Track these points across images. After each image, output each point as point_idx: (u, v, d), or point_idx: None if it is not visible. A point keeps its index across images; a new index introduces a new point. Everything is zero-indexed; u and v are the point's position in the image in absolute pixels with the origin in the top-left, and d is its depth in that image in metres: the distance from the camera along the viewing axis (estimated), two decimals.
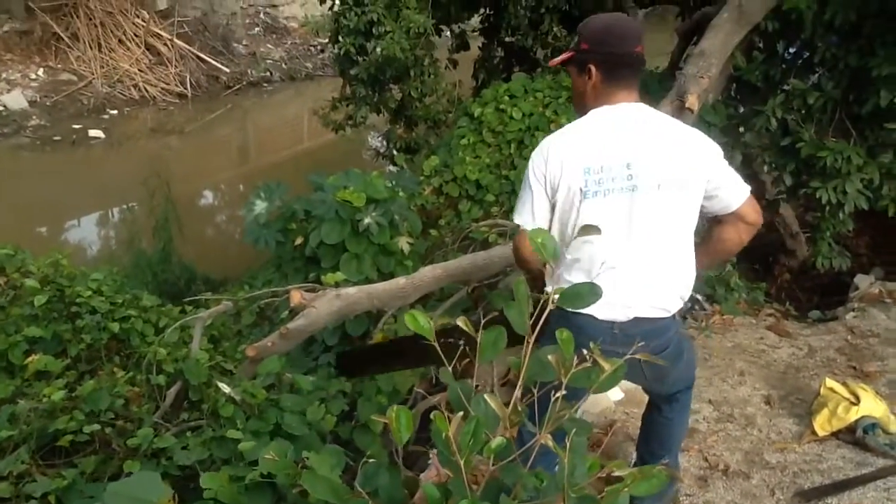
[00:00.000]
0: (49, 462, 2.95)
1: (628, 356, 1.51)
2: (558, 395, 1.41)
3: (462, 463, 1.34)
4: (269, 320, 4.85)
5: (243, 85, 15.37)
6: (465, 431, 1.37)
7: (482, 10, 8.16)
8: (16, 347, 3.68)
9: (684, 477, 2.91)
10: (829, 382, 3.28)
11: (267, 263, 5.79)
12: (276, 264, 5.24)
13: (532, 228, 2.13)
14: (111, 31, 14.23)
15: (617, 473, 1.42)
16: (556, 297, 1.52)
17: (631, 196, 2.08)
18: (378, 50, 6.79)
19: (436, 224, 5.41)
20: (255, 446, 2.57)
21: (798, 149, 4.76)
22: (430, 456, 3.24)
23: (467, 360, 1.56)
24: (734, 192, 2.20)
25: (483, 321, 1.59)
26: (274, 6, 17.48)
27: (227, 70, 15.35)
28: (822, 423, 3.15)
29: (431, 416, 1.38)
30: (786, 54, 5.17)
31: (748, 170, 5.61)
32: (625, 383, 3.58)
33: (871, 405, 3.11)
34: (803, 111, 4.79)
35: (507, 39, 7.83)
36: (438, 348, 1.51)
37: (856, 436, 3.06)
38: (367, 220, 4.43)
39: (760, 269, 5.69)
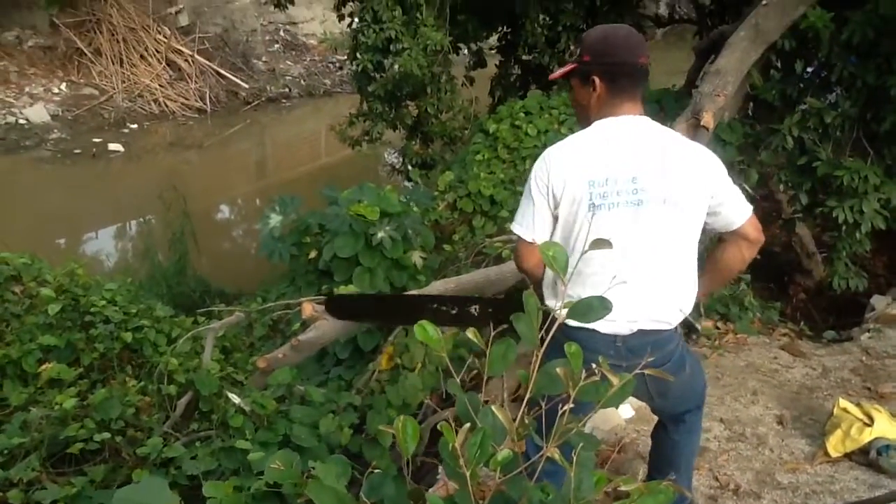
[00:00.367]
0: (59, 470, 2.97)
1: (637, 371, 1.50)
2: (565, 408, 1.40)
3: (468, 475, 1.33)
4: (281, 333, 4.86)
5: (262, 101, 15.50)
6: (471, 443, 1.36)
7: (500, 29, 8.22)
8: (30, 355, 3.72)
9: (694, 496, 2.88)
10: (843, 403, 3.23)
11: (281, 277, 5.82)
12: (290, 278, 5.26)
13: (531, 239, 2.13)
14: (133, 47, 14.42)
15: (623, 488, 1.41)
16: (564, 310, 1.51)
17: (636, 210, 2.06)
18: (395, 67, 6.85)
19: (449, 239, 5.41)
20: (264, 457, 2.57)
21: (814, 168, 4.74)
22: (439, 471, 3.22)
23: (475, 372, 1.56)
24: (737, 210, 2.19)
25: (492, 333, 1.58)
26: (293, 23, 17.65)
27: (247, 86, 15.49)
28: (836, 444, 3.10)
29: (439, 426, 1.38)
30: (803, 73, 5.16)
31: (764, 189, 5.59)
32: (636, 401, 3.55)
33: (885, 426, 3.07)
34: (820, 130, 4.77)
35: (523, 57, 7.87)
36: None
37: (869, 457, 3.01)
38: (380, 235, 4.44)
39: (775, 289, 5.64)
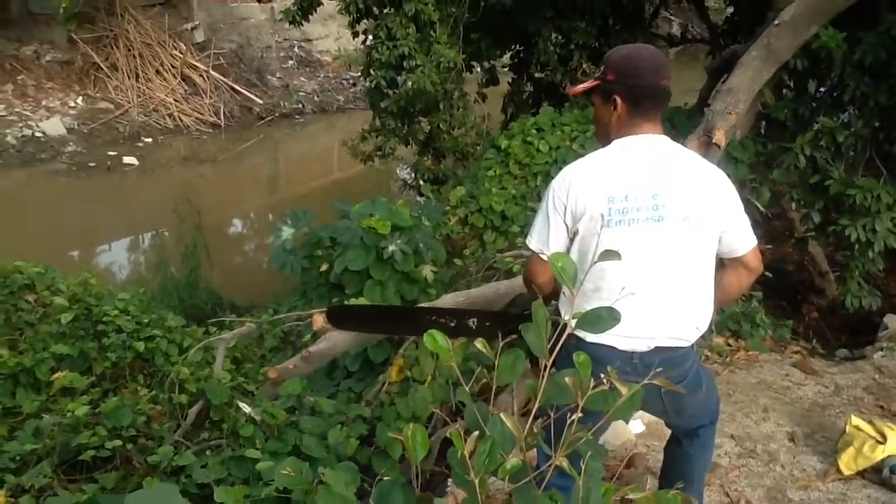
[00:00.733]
0: (70, 477, 2.99)
1: (645, 381, 1.50)
2: (574, 417, 1.40)
3: (477, 483, 1.33)
4: (292, 345, 4.88)
5: (276, 116, 15.60)
6: (480, 451, 1.36)
7: (513, 47, 8.27)
8: (43, 364, 3.76)
9: None
10: (856, 420, 3.22)
11: (292, 290, 5.85)
12: (302, 290, 5.28)
13: (546, 255, 2.14)
14: (149, 62, 14.57)
15: (631, 496, 1.41)
16: (574, 322, 1.51)
17: (656, 227, 2.07)
18: (409, 83, 6.89)
19: (460, 254, 5.43)
20: (273, 466, 2.58)
21: (827, 186, 4.74)
22: (448, 484, 3.22)
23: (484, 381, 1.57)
24: (744, 238, 2.21)
25: (501, 344, 1.58)
26: (308, 40, 17.80)
27: (261, 101, 15.61)
28: (848, 462, 3.08)
29: (448, 434, 1.38)
30: (816, 92, 5.17)
31: (776, 207, 5.59)
32: (646, 416, 3.54)
33: None
34: (833, 149, 4.77)
35: (536, 75, 7.93)
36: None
37: (882, 475, 2.99)
38: (391, 248, 4.46)
39: (788, 307, 5.62)
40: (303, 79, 17.16)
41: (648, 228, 2.07)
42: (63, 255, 9.25)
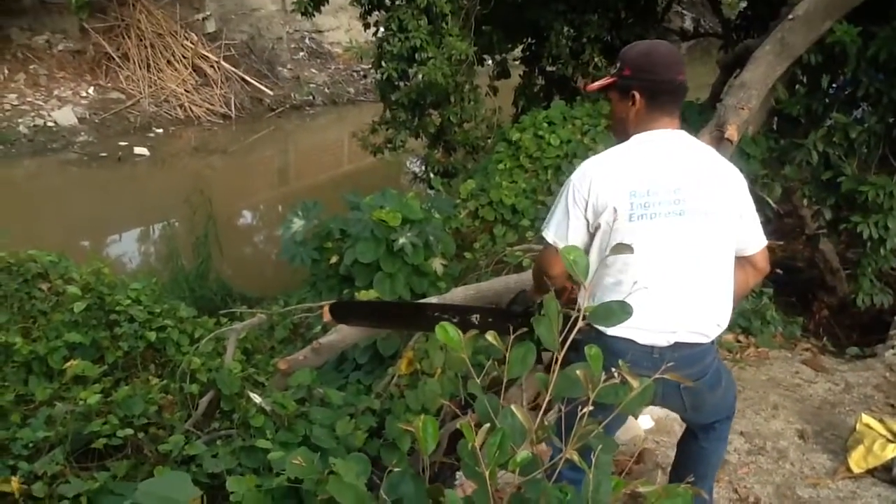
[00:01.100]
0: (82, 464, 3.01)
1: (657, 376, 1.51)
2: (585, 410, 1.40)
3: (487, 474, 1.34)
4: (301, 336, 4.90)
5: (286, 108, 15.60)
6: (490, 444, 1.37)
7: (524, 40, 8.25)
8: (55, 352, 3.79)
9: None
10: (866, 418, 3.21)
11: (302, 282, 5.86)
12: (311, 282, 5.29)
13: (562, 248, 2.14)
14: (160, 53, 14.59)
15: (641, 490, 1.42)
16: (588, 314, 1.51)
17: (678, 221, 2.08)
18: (420, 76, 6.88)
19: (470, 247, 5.43)
20: (284, 457, 2.60)
21: (839, 183, 4.71)
22: (457, 476, 3.23)
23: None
24: (754, 237, 2.23)
25: (512, 337, 1.59)
26: (319, 32, 17.78)
27: (271, 93, 15.62)
28: (858, 460, 3.08)
29: (458, 426, 1.39)
30: (829, 88, 5.14)
31: (787, 204, 5.56)
32: (656, 412, 3.54)
33: None
34: (845, 145, 4.74)
35: (548, 68, 7.91)
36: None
37: (892, 474, 2.99)
38: (401, 241, 4.46)
39: (798, 304, 5.60)
40: (314, 70, 17.16)
41: (670, 223, 2.08)
42: (74, 245, 9.29)
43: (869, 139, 4.69)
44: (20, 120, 12.70)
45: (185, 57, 14.78)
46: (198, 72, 14.92)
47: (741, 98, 4.35)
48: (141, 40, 14.44)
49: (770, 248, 2.31)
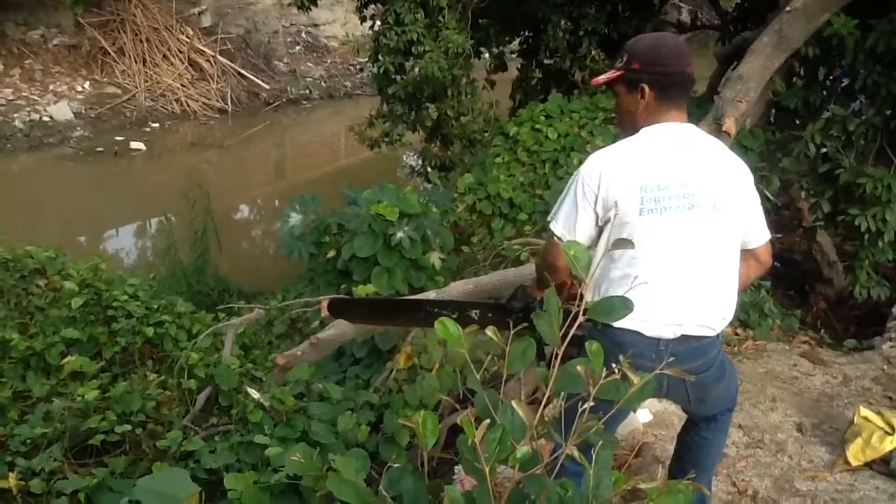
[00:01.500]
0: (80, 461, 3.01)
1: (659, 371, 1.50)
2: (585, 406, 1.40)
3: (487, 470, 1.33)
4: (300, 331, 4.89)
5: (283, 102, 15.57)
6: (490, 439, 1.36)
7: (521, 33, 8.22)
8: (53, 348, 3.78)
9: (713, 502, 2.87)
10: (864, 411, 3.21)
11: (299, 277, 5.86)
12: (309, 277, 5.29)
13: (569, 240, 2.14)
14: (156, 47, 14.55)
15: (642, 486, 1.41)
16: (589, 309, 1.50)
17: (688, 214, 2.08)
18: (416, 69, 6.86)
19: (468, 241, 5.43)
20: (282, 452, 2.59)
21: (837, 175, 4.70)
22: (456, 471, 3.23)
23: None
24: (758, 231, 2.24)
25: (512, 332, 1.58)
26: (315, 25, 17.74)
27: (268, 87, 15.58)
28: (856, 453, 3.08)
29: (459, 421, 1.38)
30: (826, 80, 5.13)
31: (785, 196, 5.56)
32: (654, 406, 3.55)
33: None
34: (843, 138, 4.73)
35: (545, 61, 7.87)
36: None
37: (890, 466, 2.99)
38: (399, 235, 4.46)
39: (796, 297, 5.60)
40: (310, 64, 17.12)
41: (680, 217, 2.08)
42: (71, 240, 9.28)
43: (867, 131, 4.68)
44: (16, 115, 12.67)
45: (180, 51, 14.74)
46: (194, 66, 14.88)
47: (739, 91, 4.34)
48: (136, 35, 14.40)
49: (770, 242, 2.31)
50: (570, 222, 2.15)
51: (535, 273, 2.50)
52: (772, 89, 4.91)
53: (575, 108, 6.06)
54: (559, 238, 2.17)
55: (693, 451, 2.52)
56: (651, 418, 3.50)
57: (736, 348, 4.22)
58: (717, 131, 4.13)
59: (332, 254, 4.68)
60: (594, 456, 1.37)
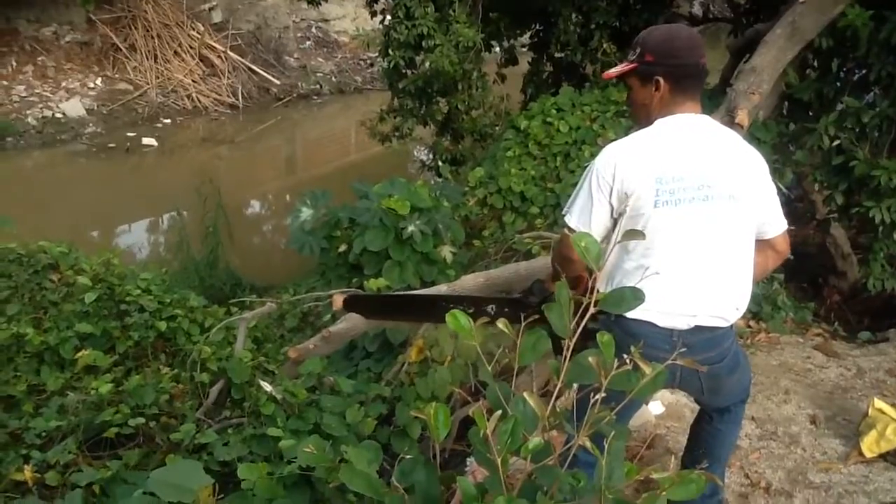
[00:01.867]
0: (95, 453, 3.03)
1: (670, 361, 1.49)
2: (597, 397, 1.39)
3: (499, 461, 1.33)
4: (311, 325, 4.90)
5: (293, 97, 15.59)
6: (502, 430, 1.36)
7: (532, 26, 8.20)
8: (67, 342, 3.81)
9: (725, 493, 2.86)
10: (878, 403, 3.19)
11: (311, 271, 5.87)
12: (320, 271, 5.30)
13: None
14: (167, 43, 14.60)
15: (655, 477, 1.41)
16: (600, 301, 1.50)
17: (703, 206, 2.07)
18: (427, 63, 6.86)
19: (479, 235, 5.43)
20: (294, 444, 2.60)
21: (851, 167, 4.67)
22: (468, 463, 3.24)
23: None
24: (775, 221, 2.22)
25: (524, 323, 1.57)
26: (325, 20, 17.74)
27: (278, 82, 15.61)
28: (870, 445, 3.06)
29: (471, 412, 1.38)
30: (839, 72, 5.10)
31: (798, 189, 5.53)
32: (667, 397, 3.54)
33: None
34: (857, 130, 4.71)
35: (556, 55, 7.84)
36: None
37: None
38: (410, 229, 4.46)
39: (810, 290, 5.58)
40: (320, 59, 17.13)
41: (695, 208, 2.07)
42: (84, 236, 9.33)
43: (881, 123, 4.65)
44: (29, 112, 12.75)
45: (191, 47, 14.78)
46: (205, 62, 14.92)
47: (752, 83, 4.32)
48: (148, 31, 14.45)
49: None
50: (585, 215, 2.14)
51: (551, 267, 2.50)
52: (785, 81, 4.88)
53: (586, 101, 6.05)
54: (574, 231, 2.16)
55: (706, 442, 2.52)
56: (663, 410, 3.49)
57: (749, 341, 4.20)
58: (730, 123, 4.11)
59: (343, 248, 4.69)
60: (606, 447, 1.37)
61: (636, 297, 1.54)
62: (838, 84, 5.02)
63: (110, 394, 3.19)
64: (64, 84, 13.61)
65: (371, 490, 1.51)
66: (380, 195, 4.59)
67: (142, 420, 3.07)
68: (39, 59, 13.72)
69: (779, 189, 4.71)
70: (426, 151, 8.88)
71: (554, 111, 5.99)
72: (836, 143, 4.76)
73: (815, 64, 5.18)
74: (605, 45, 6.99)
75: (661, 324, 2.09)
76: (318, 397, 3.20)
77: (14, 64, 13.41)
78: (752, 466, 3.06)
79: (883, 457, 3.04)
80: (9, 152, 11.95)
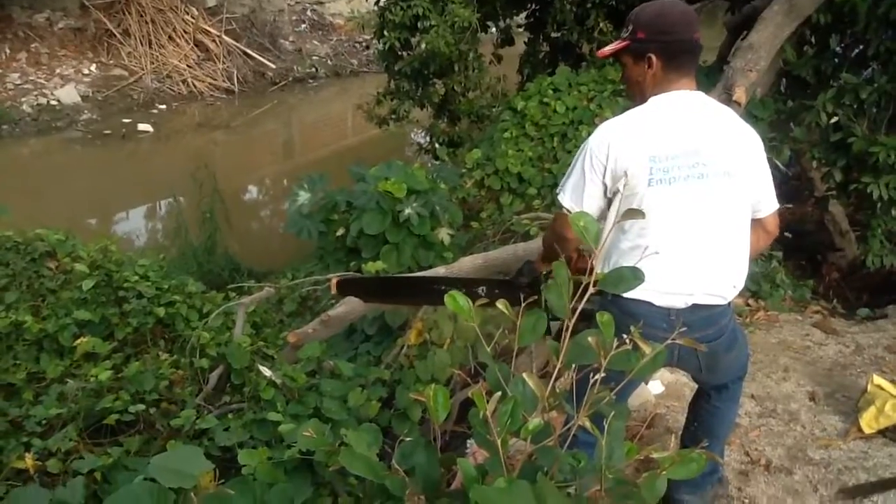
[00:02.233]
0: (95, 440, 3.03)
1: (669, 341, 1.49)
2: (597, 377, 1.39)
3: (499, 442, 1.33)
4: (310, 309, 4.90)
5: (289, 81, 15.52)
6: (502, 412, 1.36)
7: (528, 6, 8.14)
8: (65, 330, 3.80)
9: (725, 471, 2.87)
10: (877, 379, 3.20)
11: (309, 255, 5.86)
12: (318, 255, 5.29)
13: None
14: (161, 28, 14.50)
15: (655, 456, 1.41)
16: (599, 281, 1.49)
17: (698, 183, 2.06)
18: (423, 44, 6.81)
19: (477, 216, 5.42)
20: (295, 429, 2.60)
21: (849, 144, 4.66)
22: (468, 445, 3.25)
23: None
24: (768, 200, 2.22)
25: (523, 304, 1.56)
26: (320, 3, 17.64)
27: (274, 66, 15.52)
28: (869, 421, 3.07)
29: (470, 394, 1.38)
30: (838, 48, 5.07)
31: (796, 166, 5.51)
32: (666, 377, 3.54)
33: None
34: (855, 106, 4.68)
35: (552, 35, 7.80)
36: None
37: None
38: (407, 211, 4.45)
39: (808, 267, 5.58)
40: (316, 42, 17.03)
41: (690, 186, 2.06)
42: (81, 223, 9.30)
43: (879, 99, 4.63)
44: (23, 99, 12.68)
45: (186, 32, 14.68)
46: (199, 47, 14.83)
47: (749, 60, 4.30)
48: (142, 16, 14.35)
49: (779, 212, 2.29)
50: (578, 194, 2.13)
51: (542, 246, 2.49)
52: (782, 58, 4.86)
53: (583, 81, 6.02)
54: (567, 210, 2.15)
55: (705, 420, 2.52)
56: (663, 390, 3.50)
57: (748, 319, 4.21)
58: (727, 101, 4.10)
59: (340, 232, 4.68)
60: (606, 427, 1.37)
61: (636, 276, 1.54)
62: (836, 60, 5.00)
63: (110, 381, 3.18)
64: (58, 71, 13.52)
65: (371, 473, 1.50)
66: (377, 178, 4.57)
67: (142, 406, 3.06)
68: (33, 45, 13.62)
69: (776, 167, 4.73)
70: (423, 134, 8.85)
71: (551, 91, 5.96)
72: (835, 119, 4.74)
73: (813, 40, 5.16)
74: (601, 24, 6.95)
75: (658, 303, 2.09)
76: (317, 381, 3.20)
77: (7, 51, 13.33)
78: (751, 444, 3.07)
79: (882, 433, 3.05)
80: (4, 140, 11.90)
